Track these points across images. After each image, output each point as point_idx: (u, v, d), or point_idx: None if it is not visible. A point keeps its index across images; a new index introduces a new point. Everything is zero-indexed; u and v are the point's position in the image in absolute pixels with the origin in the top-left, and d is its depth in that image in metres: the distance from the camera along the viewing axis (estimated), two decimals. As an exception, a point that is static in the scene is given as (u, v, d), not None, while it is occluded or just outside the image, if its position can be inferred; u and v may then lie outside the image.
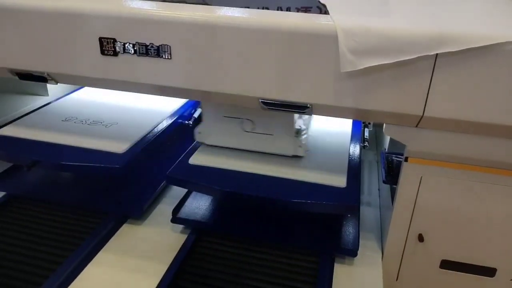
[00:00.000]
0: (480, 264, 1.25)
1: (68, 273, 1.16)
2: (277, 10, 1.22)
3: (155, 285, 1.14)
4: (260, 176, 1.29)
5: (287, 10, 1.22)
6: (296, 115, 1.34)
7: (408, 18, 1.05)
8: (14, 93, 1.88)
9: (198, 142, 1.46)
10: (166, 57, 1.09)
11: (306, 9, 1.22)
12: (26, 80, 1.30)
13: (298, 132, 1.37)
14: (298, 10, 1.22)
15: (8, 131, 1.48)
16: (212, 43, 1.05)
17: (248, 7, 1.22)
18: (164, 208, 1.46)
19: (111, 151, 1.36)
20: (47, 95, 1.93)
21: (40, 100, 1.87)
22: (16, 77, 1.30)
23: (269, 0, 1.25)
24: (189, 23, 1.05)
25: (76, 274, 1.18)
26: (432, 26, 0.94)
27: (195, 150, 1.41)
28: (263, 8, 1.23)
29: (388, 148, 1.50)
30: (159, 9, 1.09)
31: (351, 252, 1.27)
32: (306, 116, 1.45)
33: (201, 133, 1.43)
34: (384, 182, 1.32)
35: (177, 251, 1.27)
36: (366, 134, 1.58)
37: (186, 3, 1.26)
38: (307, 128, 1.46)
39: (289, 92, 1.07)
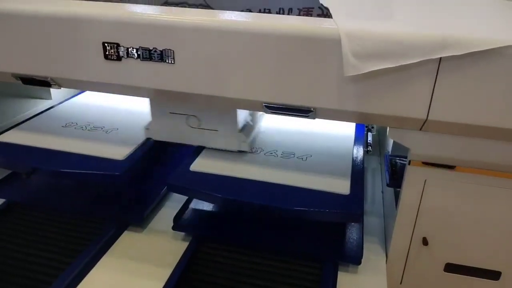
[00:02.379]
0: (485, 268, 1.24)
1: (70, 280, 1.16)
2: (279, 11, 1.23)
3: None
4: (261, 183, 1.27)
5: (289, 11, 1.22)
6: (241, 111, 1.36)
7: (412, 21, 1.05)
8: (18, 96, 1.89)
9: (148, 139, 1.46)
10: (170, 62, 1.09)
11: (308, 10, 1.22)
12: (29, 85, 1.30)
13: (245, 128, 1.39)
14: (300, 11, 1.22)
15: (8, 137, 1.47)
16: (215, 48, 1.05)
17: (250, 9, 1.23)
18: (165, 215, 1.44)
19: (111, 157, 1.35)
20: (50, 98, 1.93)
21: (44, 104, 1.88)
22: (20, 82, 1.30)
23: (270, 1, 1.25)
24: (192, 28, 1.05)
25: (78, 281, 1.17)
26: (436, 30, 0.94)
27: (196, 156, 1.40)
28: (264, 10, 1.24)
29: (391, 151, 1.49)
30: (162, 14, 1.09)
31: (355, 260, 1.25)
32: (256, 113, 1.49)
33: (149, 129, 1.45)
34: (388, 185, 1.31)
35: (178, 258, 1.26)
36: (370, 138, 1.57)
37: (188, 5, 1.27)
38: (254, 124, 1.49)
39: (292, 96, 1.07)
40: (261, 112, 1.42)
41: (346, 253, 1.28)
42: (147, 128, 1.45)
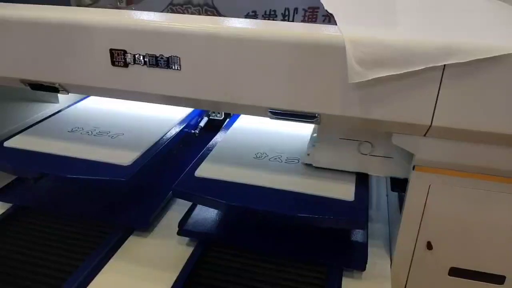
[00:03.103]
0: (489, 272, 1.24)
1: (77, 284, 1.17)
2: (285, 11, 1.23)
3: None
4: (266, 189, 1.27)
5: (294, 12, 1.23)
6: None
7: (416, 28, 1.05)
8: (25, 100, 1.91)
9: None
10: (176, 68, 1.11)
11: (314, 10, 1.22)
12: (37, 90, 1.32)
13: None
14: (305, 11, 1.23)
15: (15, 142, 1.48)
16: (220, 55, 1.06)
17: (255, 11, 1.23)
18: (171, 220, 1.45)
19: (117, 163, 1.35)
20: (58, 102, 1.95)
21: (51, 108, 1.90)
22: (28, 87, 1.32)
23: (276, 2, 1.26)
24: (198, 35, 1.06)
25: (85, 285, 1.18)
26: (440, 37, 0.95)
27: (201, 162, 1.40)
28: (270, 11, 1.24)
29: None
30: (169, 21, 1.11)
31: (359, 265, 1.25)
32: None
33: (312, 155, 1.36)
34: (392, 190, 1.32)
35: (183, 263, 1.26)
36: None
37: (193, 5, 1.28)
38: None
39: (297, 102, 1.08)
40: None
41: (350, 259, 1.28)
42: (308, 154, 1.37)
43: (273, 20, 1.27)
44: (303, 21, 1.27)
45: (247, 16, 1.26)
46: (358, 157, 1.31)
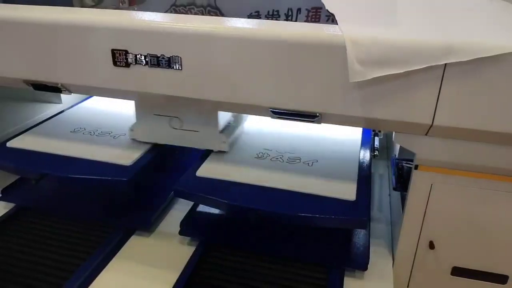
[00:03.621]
0: (492, 271, 1.24)
1: (79, 283, 1.18)
2: (288, 12, 1.23)
3: None
4: (267, 188, 1.27)
5: (297, 12, 1.23)
6: (221, 112, 1.39)
7: (417, 27, 1.05)
8: (29, 101, 1.92)
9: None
10: (177, 68, 1.11)
11: (317, 10, 1.22)
12: (40, 91, 1.33)
13: (226, 129, 1.45)
14: (308, 11, 1.23)
15: (18, 143, 1.50)
16: (221, 54, 1.07)
17: (258, 11, 1.24)
18: (173, 219, 1.46)
19: (119, 163, 1.36)
20: (61, 102, 1.96)
21: (54, 108, 1.91)
22: (31, 88, 1.33)
23: (279, 2, 1.26)
24: (199, 35, 1.06)
25: (87, 284, 1.19)
26: (441, 36, 0.94)
27: (203, 162, 1.41)
28: (273, 11, 1.24)
29: (398, 155, 1.50)
30: (170, 21, 1.11)
31: (361, 265, 1.25)
32: (239, 114, 1.54)
33: (133, 131, 1.48)
34: (394, 189, 1.32)
35: (185, 262, 1.27)
36: (376, 143, 1.56)
37: (196, 6, 1.28)
38: (237, 125, 1.53)
39: (298, 101, 1.08)
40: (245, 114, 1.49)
41: (352, 259, 1.28)
42: (131, 129, 1.49)
43: (276, 20, 1.27)
44: (306, 21, 1.27)
45: (250, 16, 1.26)
46: (170, 131, 1.43)
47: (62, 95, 1.94)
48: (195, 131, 1.41)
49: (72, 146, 1.46)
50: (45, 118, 1.70)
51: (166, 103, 1.34)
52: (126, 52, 1.14)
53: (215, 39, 1.06)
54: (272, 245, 1.34)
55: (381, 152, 1.83)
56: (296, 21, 1.28)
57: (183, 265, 1.26)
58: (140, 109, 1.45)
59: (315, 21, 1.27)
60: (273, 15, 1.27)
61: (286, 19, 1.28)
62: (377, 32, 0.97)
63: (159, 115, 1.42)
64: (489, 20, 1.13)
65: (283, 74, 1.05)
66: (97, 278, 1.22)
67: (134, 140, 1.49)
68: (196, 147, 1.45)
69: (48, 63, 1.23)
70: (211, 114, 1.37)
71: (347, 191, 1.25)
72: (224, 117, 1.43)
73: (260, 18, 1.28)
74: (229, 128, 1.47)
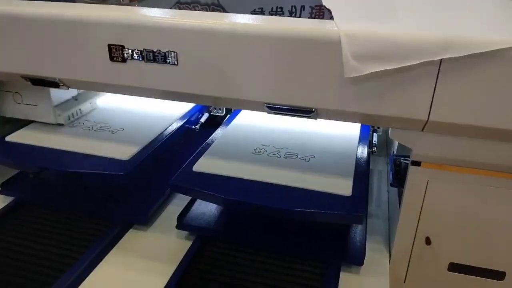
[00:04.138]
0: (489, 268, 1.24)
1: (77, 274, 1.19)
2: (291, 9, 1.22)
3: None
4: (263, 183, 1.27)
5: (301, 9, 1.22)
6: (53, 89, 1.45)
7: (412, 23, 1.04)
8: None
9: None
10: (173, 63, 1.11)
11: (320, 8, 1.21)
12: (38, 86, 1.34)
13: (64, 103, 1.59)
14: (312, 8, 1.22)
15: (16, 137, 1.51)
16: (216, 49, 1.06)
17: (262, 8, 1.23)
18: (170, 214, 1.46)
19: (116, 157, 1.37)
20: None
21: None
22: (29, 83, 1.34)
23: (282, 0, 1.25)
24: (194, 30, 1.06)
25: (85, 275, 1.20)
26: (437, 31, 0.94)
27: (200, 157, 1.41)
28: (277, 8, 1.24)
29: (397, 151, 1.49)
30: (166, 16, 1.11)
31: (357, 260, 1.25)
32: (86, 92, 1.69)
33: None
34: (391, 185, 1.31)
35: (182, 256, 1.27)
36: (375, 139, 1.55)
37: (200, 4, 1.27)
38: (80, 101, 1.67)
39: (293, 97, 1.08)
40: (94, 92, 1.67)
41: (348, 254, 1.28)
42: None
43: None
44: (310, 18, 1.26)
45: (253, 12, 1.25)
46: (15, 105, 1.59)
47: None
48: (33, 105, 1.55)
49: (71, 140, 1.47)
50: None
51: (7, 80, 1.51)
52: (123, 47, 1.14)
53: (210, 35, 1.06)
54: (268, 240, 1.34)
55: (381, 149, 1.83)
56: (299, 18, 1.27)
57: (180, 259, 1.27)
58: None
59: (318, 19, 1.26)
60: (277, 12, 1.26)
61: (290, 16, 1.27)
62: (372, 27, 0.97)
63: (5, 91, 1.56)
64: (485, 15, 1.12)
65: (279, 70, 1.05)
66: (94, 270, 1.23)
67: (133, 134, 1.50)
68: (35, 119, 1.59)
69: (46, 58, 1.23)
70: (45, 90, 1.49)
71: (344, 187, 1.25)
72: (59, 93, 1.54)
73: (263, 14, 1.26)
74: (68, 103, 1.61)
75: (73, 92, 1.65)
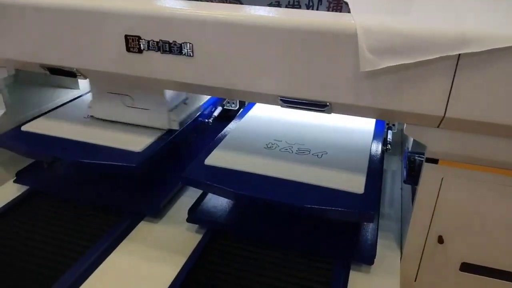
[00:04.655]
0: (502, 269, 1.22)
1: (89, 263, 1.21)
2: (309, 2, 1.21)
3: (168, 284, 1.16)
4: (274, 179, 1.27)
5: (319, 2, 1.21)
6: (169, 91, 1.43)
7: (430, 17, 1.03)
8: (48, 86, 1.96)
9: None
10: (188, 55, 1.12)
11: (339, 1, 1.20)
12: (56, 75, 1.36)
13: (177, 108, 1.50)
14: (330, 3, 1.21)
15: (32, 127, 1.53)
16: (232, 42, 1.07)
17: (278, 1, 1.22)
18: (181, 207, 1.47)
19: (129, 149, 1.38)
20: (78, 88, 2.00)
21: (71, 94, 1.94)
22: (47, 72, 1.36)
23: (300, -7, 1.24)
24: (210, 22, 1.07)
25: (97, 264, 1.22)
26: (455, 25, 0.92)
27: (212, 151, 1.41)
28: (294, 1, 1.23)
29: (411, 148, 1.47)
30: (182, 7, 1.11)
31: (367, 259, 1.24)
32: (193, 95, 1.60)
33: (92, 108, 1.55)
34: (404, 182, 1.30)
35: (192, 249, 1.28)
36: (389, 136, 1.53)
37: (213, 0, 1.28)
38: (190, 105, 1.60)
39: (308, 90, 1.08)
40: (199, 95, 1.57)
41: (358, 252, 1.27)
42: (89, 106, 1.56)
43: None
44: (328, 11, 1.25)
45: (270, 5, 1.25)
46: (123, 109, 1.48)
47: (79, 81, 1.98)
48: (146, 109, 1.46)
49: (85, 131, 1.48)
50: (60, 104, 1.73)
51: (117, 82, 1.39)
52: (139, 38, 1.15)
53: (226, 27, 1.06)
54: (278, 235, 1.34)
55: (396, 147, 1.80)
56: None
57: (190, 251, 1.27)
58: (94, 87, 1.51)
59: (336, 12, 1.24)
60: (294, 5, 1.25)
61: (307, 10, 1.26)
62: (389, 21, 0.96)
63: (112, 93, 1.47)
64: (504, 9, 1.10)
65: (293, 63, 1.05)
66: (105, 261, 1.24)
67: (145, 126, 1.51)
68: (147, 125, 1.50)
69: (64, 48, 1.25)
70: (160, 93, 1.42)
71: (356, 184, 1.24)
72: (173, 96, 1.47)
73: (280, 7, 1.26)
74: (181, 107, 1.51)
75: (182, 95, 1.56)
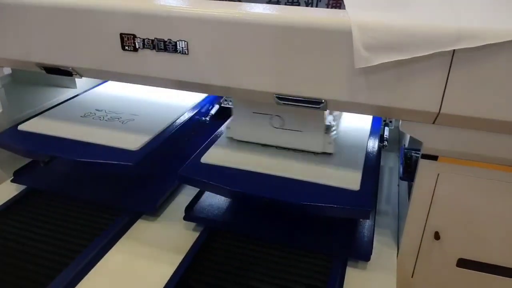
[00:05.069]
0: (499, 264, 1.22)
1: (86, 261, 1.21)
2: (308, 1, 1.21)
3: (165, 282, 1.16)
4: (270, 176, 1.27)
5: (318, 1, 1.21)
6: (326, 112, 1.31)
7: (425, 13, 1.03)
8: (45, 85, 1.96)
9: (227, 137, 1.46)
10: (183, 53, 1.11)
11: (337, 0, 1.20)
12: (52, 74, 1.35)
13: (328, 129, 1.35)
14: (329, 0, 1.21)
15: (29, 126, 1.53)
16: (227, 40, 1.07)
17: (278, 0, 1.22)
18: (178, 205, 1.47)
19: (126, 148, 1.38)
20: (75, 87, 1.99)
21: (68, 93, 1.94)
22: (43, 71, 1.36)
23: (299, -9, 1.24)
24: (205, 19, 1.07)
25: (94, 263, 1.22)
26: (449, 21, 0.92)
27: (208, 149, 1.41)
28: (293, 0, 1.23)
29: (408, 144, 1.48)
30: (177, 5, 1.11)
31: (364, 256, 1.24)
32: (336, 112, 1.44)
33: (230, 129, 1.44)
34: (401, 178, 1.30)
35: (188, 247, 1.28)
36: (386, 133, 1.53)
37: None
38: (336, 125, 1.43)
39: (303, 87, 1.08)
40: (339, 112, 1.43)
41: (355, 249, 1.27)
42: (228, 127, 1.45)
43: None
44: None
45: (269, 3, 1.25)
46: (271, 130, 1.37)
47: (76, 80, 1.98)
48: (298, 130, 1.35)
49: (81, 130, 1.48)
50: (58, 103, 1.73)
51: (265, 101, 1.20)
52: (134, 36, 1.15)
53: (220, 24, 1.06)
54: (275, 233, 1.34)
55: (393, 144, 1.80)
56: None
57: (187, 250, 1.27)
58: (238, 106, 1.39)
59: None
60: (293, 3, 1.25)
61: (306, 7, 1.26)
62: (384, 17, 0.96)
63: (258, 113, 1.36)
64: (499, 6, 1.10)
65: (288, 60, 1.05)
66: (102, 259, 1.24)
67: (143, 125, 1.51)
68: (298, 148, 1.38)
69: (59, 46, 1.25)
70: (315, 113, 1.28)
71: (352, 181, 1.23)
72: (327, 116, 1.35)
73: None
74: (331, 128, 1.37)
75: (337, 116, 1.44)
